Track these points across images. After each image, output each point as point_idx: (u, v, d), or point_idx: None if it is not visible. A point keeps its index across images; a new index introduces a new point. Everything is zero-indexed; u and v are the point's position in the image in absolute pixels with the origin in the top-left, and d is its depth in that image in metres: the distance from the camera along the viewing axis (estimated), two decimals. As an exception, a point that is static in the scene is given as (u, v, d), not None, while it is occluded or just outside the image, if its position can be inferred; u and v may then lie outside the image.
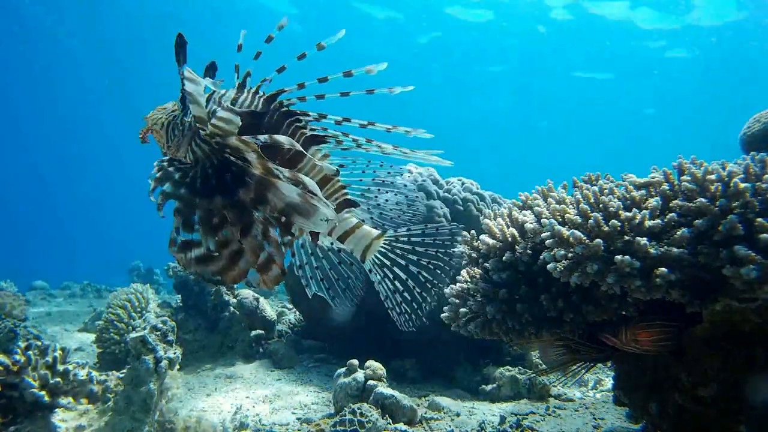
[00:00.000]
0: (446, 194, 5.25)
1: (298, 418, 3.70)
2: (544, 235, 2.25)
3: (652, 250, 1.96)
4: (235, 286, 6.00)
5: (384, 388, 3.54)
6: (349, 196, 1.86)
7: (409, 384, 4.73)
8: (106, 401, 2.95)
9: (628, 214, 2.09)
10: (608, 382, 4.49)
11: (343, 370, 3.75)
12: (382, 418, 3.25)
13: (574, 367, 2.76)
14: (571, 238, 2.10)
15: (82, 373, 3.00)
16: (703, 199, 1.97)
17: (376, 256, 1.89)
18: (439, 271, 1.89)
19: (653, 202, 2.09)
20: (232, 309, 5.62)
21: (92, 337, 5.84)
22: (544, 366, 3.83)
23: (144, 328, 3.00)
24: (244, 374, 4.87)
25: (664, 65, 26.47)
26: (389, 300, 1.90)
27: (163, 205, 1.44)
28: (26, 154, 55.28)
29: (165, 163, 1.54)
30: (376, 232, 1.88)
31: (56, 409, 2.84)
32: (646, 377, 2.48)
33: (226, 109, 1.48)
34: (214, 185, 1.48)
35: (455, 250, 1.93)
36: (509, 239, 2.53)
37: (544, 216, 2.41)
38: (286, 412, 3.85)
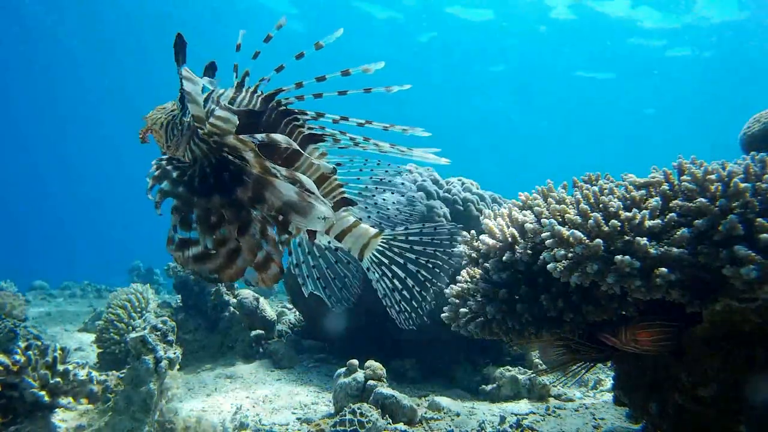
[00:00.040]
0: (446, 194, 5.25)
1: (298, 418, 3.70)
2: (544, 235, 2.25)
3: (652, 250, 1.96)
4: (235, 285, 6.01)
5: (384, 388, 3.54)
6: (346, 195, 1.86)
7: (409, 384, 4.73)
8: (106, 401, 2.95)
9: (628, 214, 2.08)
10: (608, 382, 4.49)
11: (343, 370, 3.75)
12: (382, 418, 3.25)
13: (574, 367, 2.76)
14: (571, 238, 2.10)
15: (82, 373, 3.00)
16: (703, 199, 1.97)
17: (374, 255, 1.89)
18: (438, 270, 1.89)
19: (653, 202, 2.09)
20: (232, 309, 5.62)
21: (92, 337, 5.84)
22: (544, 366, 3.83)
23: (144, 328, 3.00)
24: (244, 374, 4.87)
25: (665, 65, 26.49)
26: (387, 298, 1.90)
27: (161, 203, 1.45)
28: (26, 154, 55.32)
29: (163, 162, 1.55)
30: (373, 230, 1.88)
31: (56, 409, 2.84)
32: (646, 377, 2.48)
33: (224, 108, 1.48)
34: (212, 184, 1.48)
35: (455, 249, 1.93)
36: (509, 239, 2.53)
37: (544, 216, 2.41)
38: (286, 412, 3.85)
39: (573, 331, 2.53)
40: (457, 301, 2.68)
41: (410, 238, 1.89)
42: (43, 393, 2.79)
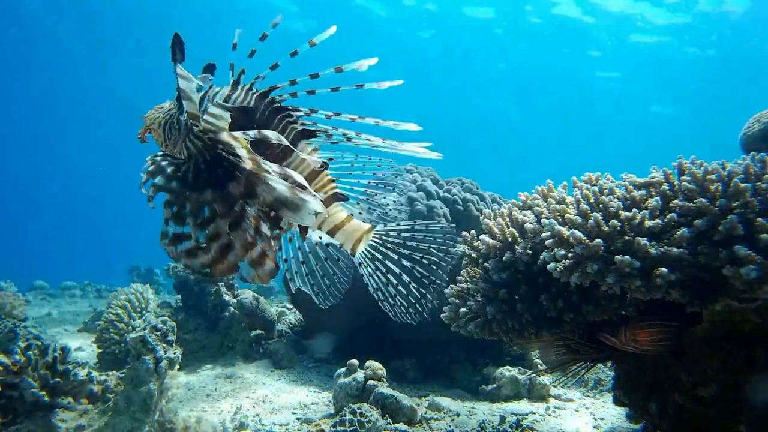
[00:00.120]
0: (446, 194, 5.25)
1: (298, 418, 3.70)
2: (544, 235, 2.25)
3: (652, 250, 1.96)
4: (236, 285, 6.01)
5: (384, 388, 3.54)
6: (338, 190, 1.87)
7: (409, 384, 4.72)
8: (106, 401, 2.95)
9: (628, 214, 2.09)
10: (608, 382, 4.49)
11: (343, 370, 3.75)
12: (382, 418, 3.25)
13: (574, 367, 2.76)
14: (571, 238, 2.10)
15: (82, 373, 3.00)
16: (703, 199, 1.97)
17: (367, 250, 1.89)
18: (434, 267, 1.89)
19: (653, 202, 2.09)
20: (232, 309, 5.62)
21: (92, 337, 5.84)
22: (544, 366, 3.83)
23: (144, 328, 3.00)
24: (244, 374, 4.87)
25: (665, 64, 26.48)
26: (380, 292, 1.90)
27: (154, 197, 1.47)
28: (26, 154, 55.30)
29: (158, 158, 1.58)
30: (366, 226, 1.89)
31: (56, 409, 2.84)
32: (646, 377, 2.48)
33: (217, 105, 1.50)
34: (205, 179, 1.51)
35: (453, 249, 1.93)
36: (509, 239, 2.53)
37: (544, 216, 2.41)
38: (286, 412, 3.85)
39: (573, 331, 2.53)
40: (457, 301, 2.69)
41: (402, 234, 1.89)
42: (43, 393, 2.79)
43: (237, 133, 1.47)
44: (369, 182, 1.90)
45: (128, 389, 2.86)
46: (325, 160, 1.74)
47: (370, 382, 3.60)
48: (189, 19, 24.95)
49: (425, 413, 3.68)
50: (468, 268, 2.81)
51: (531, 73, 30.03)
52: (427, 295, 1.89)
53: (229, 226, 1.46)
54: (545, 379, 4.29)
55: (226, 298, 5.67)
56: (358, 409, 3.17)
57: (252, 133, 1.47)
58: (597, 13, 23.45)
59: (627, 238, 2.05)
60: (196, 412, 3.77)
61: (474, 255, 2.77)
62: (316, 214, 1.43)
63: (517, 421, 3.41)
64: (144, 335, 2.95)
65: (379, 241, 1.89)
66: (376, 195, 1.91)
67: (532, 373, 4.36)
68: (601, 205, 2.20)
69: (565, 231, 2.14)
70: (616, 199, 2.20)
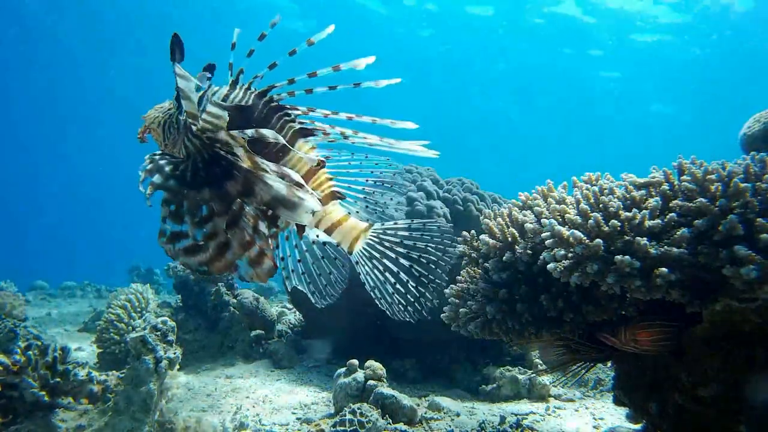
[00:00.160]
0: (446, 194, 5.24)
1: (298, 418, 3.70)
2: (544, 235, 2.25)
3: (652, 250, 1.96)
4: (236, 285, 6.01)
5: (384, 388, 3.54)
6: (335, 188, 1.87)
7: (409, 384, 4.73)
8: (106, 401, 2.95)
9: (628, 214, 2.08)
10: (608, 382, 4.49)
11: (343, 370, 3.75)
12: (382, 418, 3.25)
13: (574, 367, 2.76)
14: (571, 238, 2.10)
15: (82, 373, 3.00)
16: (703, 199, 1.97)
17: (364, 248, 1.89)
18: (433, 266, 1.89)
19: (653, 202, 2.09)
20: (232, 309, 5.62)
21: (92, 337, 5.84)
22: (544, 366, 3.83)
23: (144, 328, 3.00)
24: (244, 374, 4.87)
25: (666, 64, 26.47)
26: (377, 290, 1.90)
27: (151, 195, 1.47)
28: (26, 154, 55.26)
29: (156, 156, 1.59)
30: (363, 224, 1.88)
31: (56, 409, 2.84)
32: (646, 377, 2.48)
33: (215, 105, 1.50)
34: (203, 178, 1.51)
35: (451, 248, 1.93)
36: (509, 239, 2.53)
37: (544, 216, 2.41)
38: (286, 412, 3.85)
39: (573, 331, 2.52)
40: (457, 300, 2.68)
41: (399, 233, 1.89)
42: (43, 393, 2.79)
43: (235, 132, 1.48)
44: (367, 180, 1.90)
45: (128, 389, 2.86)
46: (322, 158, 1.74)
47: (370, 382, 3.60)
48: (189, 19, 24.94)
49: (425, 413, 3.68)
50: (468, 268, 2.81)
51: (531, 72, 29.99)
52: (426, 293, 1.89)
53: (226, 224, 1.46)
54: (545, 379, 4.29)
55: (226, 298, 5.67)
56: (358, 409, 3.17)
57: (250, 131, 1.48)
58: (597, 12, 23.46)
59: (627, 238, 2.04)
60: (196, 412, 3.77)
61: (474, 255, 2.77)
62: (313, 212, 1.43)
63: (517, 421, 3.41)
64: (144, 335, 2.95)
65: (377, 240, 1.89)
66: (373, 193, 1.91)
67: (532, 373, 4.36)
68: (601, 205, 2.20)
69: (565, 231, 2.14)
70: (616, 199, 2.20)
